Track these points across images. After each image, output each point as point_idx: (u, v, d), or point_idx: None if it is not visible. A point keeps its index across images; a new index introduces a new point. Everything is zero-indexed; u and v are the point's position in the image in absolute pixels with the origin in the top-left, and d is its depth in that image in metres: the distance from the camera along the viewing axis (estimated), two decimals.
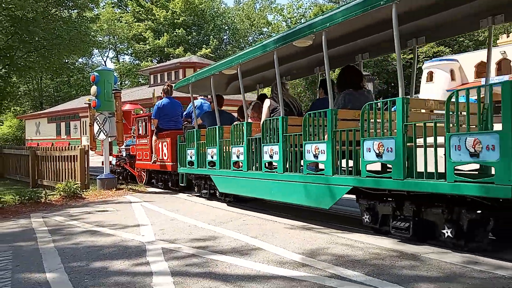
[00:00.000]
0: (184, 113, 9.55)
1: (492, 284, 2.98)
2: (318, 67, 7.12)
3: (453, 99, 3.59)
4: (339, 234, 4.71)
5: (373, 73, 39.22)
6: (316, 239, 4.52)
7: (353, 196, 4.86)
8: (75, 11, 22.58)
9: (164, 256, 4.02)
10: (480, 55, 36.69)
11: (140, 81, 48.84)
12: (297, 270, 3.46)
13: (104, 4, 51.06)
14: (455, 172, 3.53)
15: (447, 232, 3.81)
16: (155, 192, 9.46)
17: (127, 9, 54.06)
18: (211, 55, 43.16)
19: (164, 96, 9.65)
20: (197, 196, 8.37)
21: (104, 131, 10.12)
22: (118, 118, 10.09)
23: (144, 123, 10.44)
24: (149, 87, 29.45)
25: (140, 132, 10.56)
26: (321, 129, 4.86)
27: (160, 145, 9.45)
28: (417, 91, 36.09)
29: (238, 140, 6.43)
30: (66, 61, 27.18)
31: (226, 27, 55.62)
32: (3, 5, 18.07)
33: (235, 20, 56.42)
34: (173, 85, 9.08)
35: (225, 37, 56.08)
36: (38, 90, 45.82)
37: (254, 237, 4.69)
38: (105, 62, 55.84)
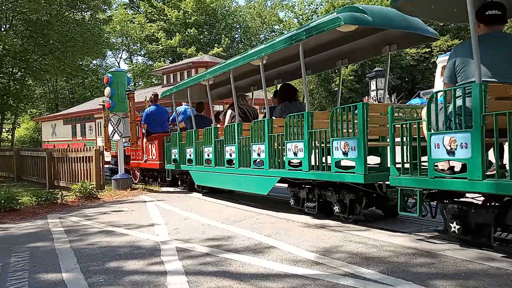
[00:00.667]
0: (170, 118, 10.69)
1: (510, 282, 2.93)
2: (276, 79, 8.46)
3: (362, 111, 4.60)
4: (353, 232, 4.68)
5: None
6: (330, 237, 4.50)
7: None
8: (88, 13, 22.84)
9: (178, 256, 4.05)
10: None
11: (153, 82, 49.14)
12: (311, 269, 3.45)
13: (117, 5, 51.53)
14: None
15: (336, 208, 5.18)
16: (169, 192, 9.53)
17: (139, 10, 54.39)
18: (223, 54, 43.16)
19: (151, 104, 10.81)
20: (179, 189, 8.51)
21: (118, 132, 10.22)
22: (132, 119, 10.18)
23: (136, 127, 11.11)
24: (162, 87, 29.64)
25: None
26: (262, 133, 6.18)
27: (150, 147, 10.60)
28: (431, 86, 35.57)
29: (208, 141, 7.83)
30: (80, 63, 27.53)
31: (238, 26, 55.55)
32: (18, 9, 18.36)
33: (247, 18, 56.34)
34: (158, 93, 10.97)
35: (236, 35, 56.05)
36: (53, 92, 46.40)
37: (267, 235, 4.69)
38: (118, 63, 56.32)
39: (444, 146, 3.65)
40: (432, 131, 3.77)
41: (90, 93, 45.47)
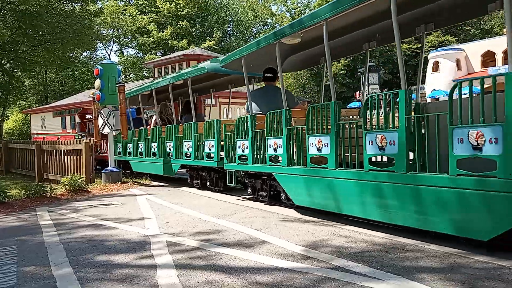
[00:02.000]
0: None
1: (497, 276, 2.97)
2: (194, 93, 10.23)
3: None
4: (343, 226, 4.71)
5: (378, 64, 38.89)
6: (319, 231, 4.51)
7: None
8: (78, 4, 22.51)
9: (168, 249, 4.04)
10: (486, 45, 36.22)
11: (144, 75, 48.76)
12: (301, 262, 3.46)
13: None
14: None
15: (209, 182, 8.12)
16: (160, 186, 9.50)
17: (130, 1, 53.81)
18: (215, 47, 42.92)
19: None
20: (164, 183, 8.47)
21: (108, 125, 10.15)
22: (122, 112, 10.10)
23: (92, 125, 13.71)
24: (154, 79, 29.47)
25: (91, 131, 14.41)
26: (172, 134, 9.00)
27: (102, 142, 12.82)
28: (422, 81, 35.70)
29: (141, 139, 10.60)
30: (71, 55, 27.19)
31: (230, 19, 55.24)
32: (7, 0, 18.08)
33: (239, 12, 56.02)
34: None
35: (229, 28, 55.77)
36: (43, 84, 45.80)
37: (258, 229, 4.69)
38: (109, 55, 55.73)
39: (240, 147, 6.63)
40: (237, 138, 6.71)
41: (80, 85, 44.98)
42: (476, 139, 3.32)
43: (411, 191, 3.85)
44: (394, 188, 4.02)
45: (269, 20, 56.84)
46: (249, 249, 3.92)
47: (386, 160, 4.73)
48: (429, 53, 38.84)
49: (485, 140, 3.27)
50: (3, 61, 21.20)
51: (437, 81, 35.74)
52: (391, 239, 4.06)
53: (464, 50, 37.32)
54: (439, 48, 39.16)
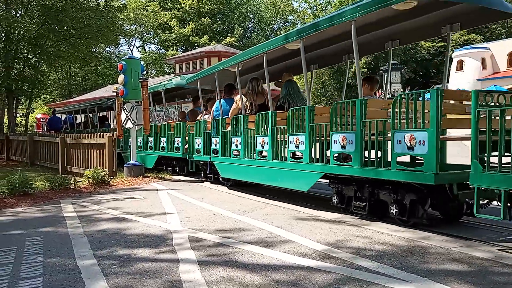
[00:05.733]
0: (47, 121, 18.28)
1: None
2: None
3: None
4: (366, 226, 4.65)
5: (400, 62, 38.32)
6: (342, 230, 4.47)
7: None
8: (102, 0, 22.84)
9: (190, 244, 4.06)
10: None
11: (165, 70, 49.19)
12: (323, 261, 3.43)
13: None
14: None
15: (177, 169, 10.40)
16: (181, 180, 9.56)
17: None
18: (236, 43, 43.00)
19: (53, 114, 20.33)
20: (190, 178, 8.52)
21: (131, 120, 10.26)
22: (145, 107, 10.20)
23: (46, 124, 19.94)
24: (175, 76, 29.64)
25: (45, 130, 17.95)
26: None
27: None
28: (447, 80, 34.92)
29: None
30: (94, 50, 27.62)
31: (251, 15, 55.28)
32: None
33: (260, 8, 55.98)
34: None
35: (250, 25, 55.80)
36: (67, 78, 46.64)
37: (279, 227, 4.68)
38: (131, 51, 56.33)
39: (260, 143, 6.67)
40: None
41: (103, 80, 45.65)
42: None
43: None
44: None
45: (290, 17, 56.59)
46: (271, 246, 3.91)
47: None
48: (453, 52, 38.02)
49: None
50: (29, 55, 21.67)
51: (462, 80, 34.95)
52: (413, 240, 4.00)
53: (489, 49, 36.42)
54: (464, 47, 38.33)
